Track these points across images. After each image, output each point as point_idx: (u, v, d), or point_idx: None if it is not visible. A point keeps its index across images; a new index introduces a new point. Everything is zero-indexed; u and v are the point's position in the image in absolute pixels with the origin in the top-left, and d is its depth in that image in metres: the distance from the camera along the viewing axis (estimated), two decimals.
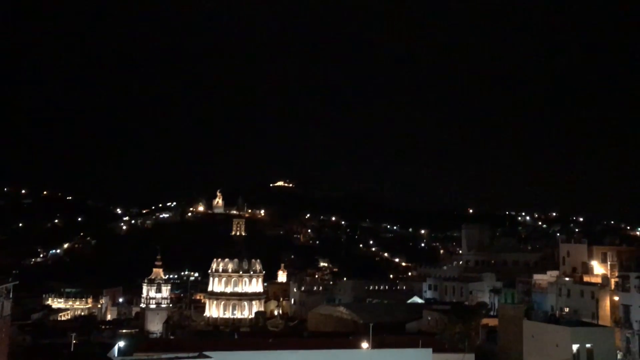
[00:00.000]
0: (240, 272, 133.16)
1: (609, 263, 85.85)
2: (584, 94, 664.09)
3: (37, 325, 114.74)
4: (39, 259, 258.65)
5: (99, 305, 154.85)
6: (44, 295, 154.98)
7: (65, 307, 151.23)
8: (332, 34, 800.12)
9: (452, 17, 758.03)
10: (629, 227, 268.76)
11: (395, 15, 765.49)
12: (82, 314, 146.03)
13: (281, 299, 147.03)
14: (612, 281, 76.20)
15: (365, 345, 60.98)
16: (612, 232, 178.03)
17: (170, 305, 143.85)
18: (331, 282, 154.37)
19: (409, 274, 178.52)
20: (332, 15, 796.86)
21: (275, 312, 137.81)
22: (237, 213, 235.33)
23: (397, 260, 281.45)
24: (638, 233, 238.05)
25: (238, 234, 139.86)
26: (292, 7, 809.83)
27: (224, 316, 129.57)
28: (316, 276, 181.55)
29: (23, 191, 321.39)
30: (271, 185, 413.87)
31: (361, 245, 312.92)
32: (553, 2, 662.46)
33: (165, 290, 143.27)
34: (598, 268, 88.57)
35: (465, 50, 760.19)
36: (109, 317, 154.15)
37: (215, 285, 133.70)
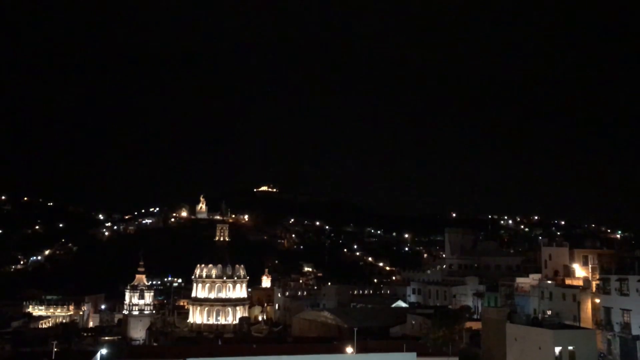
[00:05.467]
0: (224, 278, 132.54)
1: (590, 266, 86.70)
2: (566, 103, 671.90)
3: (17, 333, 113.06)
4: (19, 266, 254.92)
5: (81, 313, 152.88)
6: (24, 303, 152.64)
7: (46, 314, 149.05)
8: (319, 38, 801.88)
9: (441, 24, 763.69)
10: (609, 230, 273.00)
11: (384, 20, 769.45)
12: (64, 321, 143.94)
13: (265, 305, 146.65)
14: (593, 284, 76.99)
15: (349, 350, 61.10)
16: (593, 236, 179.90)
17: (154, 311, 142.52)
18: (315, 287, 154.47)
19: (393, 278, 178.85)
20: (318, 19, 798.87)
21: (260, 318, 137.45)
22: (221, 218, 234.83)
23: (381, 264, 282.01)
24: (618, 236, 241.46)
25: (222, 239, 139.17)
26: (275, 12, 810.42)
27: (208, 322, 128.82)
28: (300, 281, 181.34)
29: (3, 197, 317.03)
30: (255, 190, 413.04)
31: (345, 250, 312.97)
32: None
33: (148, 297, 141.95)
34: (579, 271, 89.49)
35: (453, 58, 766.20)
36: (91, 324, 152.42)
37: (199, 291, 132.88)
